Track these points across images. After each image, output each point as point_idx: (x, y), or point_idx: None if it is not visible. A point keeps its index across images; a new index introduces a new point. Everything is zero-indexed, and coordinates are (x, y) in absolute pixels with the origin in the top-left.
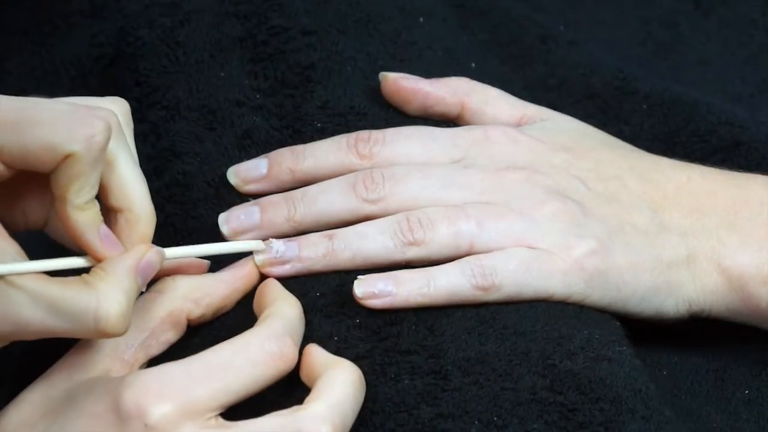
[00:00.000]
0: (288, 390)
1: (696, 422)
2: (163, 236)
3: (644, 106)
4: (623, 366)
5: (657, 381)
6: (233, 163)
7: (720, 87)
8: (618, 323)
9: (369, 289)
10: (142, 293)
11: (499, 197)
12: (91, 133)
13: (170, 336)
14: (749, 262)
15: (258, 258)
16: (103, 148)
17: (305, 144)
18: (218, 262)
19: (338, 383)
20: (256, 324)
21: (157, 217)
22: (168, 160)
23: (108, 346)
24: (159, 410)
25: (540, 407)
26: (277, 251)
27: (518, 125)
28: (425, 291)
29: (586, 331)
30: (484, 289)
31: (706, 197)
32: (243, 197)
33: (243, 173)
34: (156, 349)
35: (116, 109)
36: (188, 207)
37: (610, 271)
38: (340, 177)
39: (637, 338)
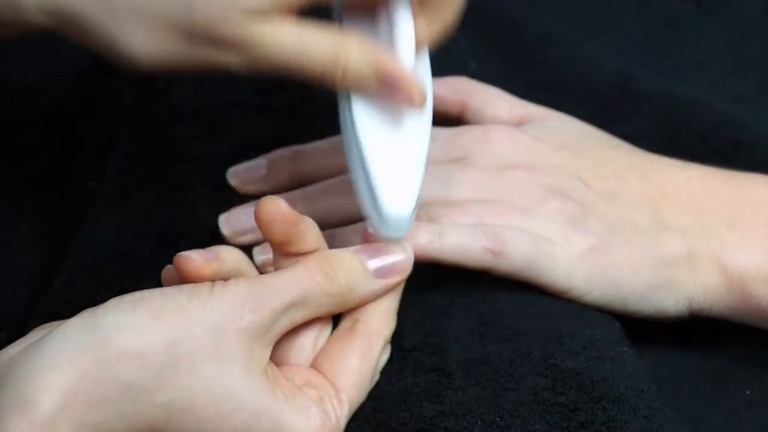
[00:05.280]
0: None
1: (696, 422)
2: (162, 238)
3: (644, 106)
4: (625, 365)
5: (657, 381)
6: (233, 164)
7: (720, 87)
8: (618, 324)
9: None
10: None
11: (499, 195)
12: None
13: None
14: (749, 261)
15: (258, 259)
16: None
17: (305, 145)
18: None
19: None
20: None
21: (156, 218)
22: (168, 162)
23: None
24: None
25: (542, 408)
26: None
27: (518, 125)
28: (436, 241)
29: (587, 331)
30: (494, 253)
31: (706, 196)
32: (243, 198)
33: (243, 174)
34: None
35: None
36: (188, 208)
37: (609, 268)
38: (339, 177)
39: (637, 338)
